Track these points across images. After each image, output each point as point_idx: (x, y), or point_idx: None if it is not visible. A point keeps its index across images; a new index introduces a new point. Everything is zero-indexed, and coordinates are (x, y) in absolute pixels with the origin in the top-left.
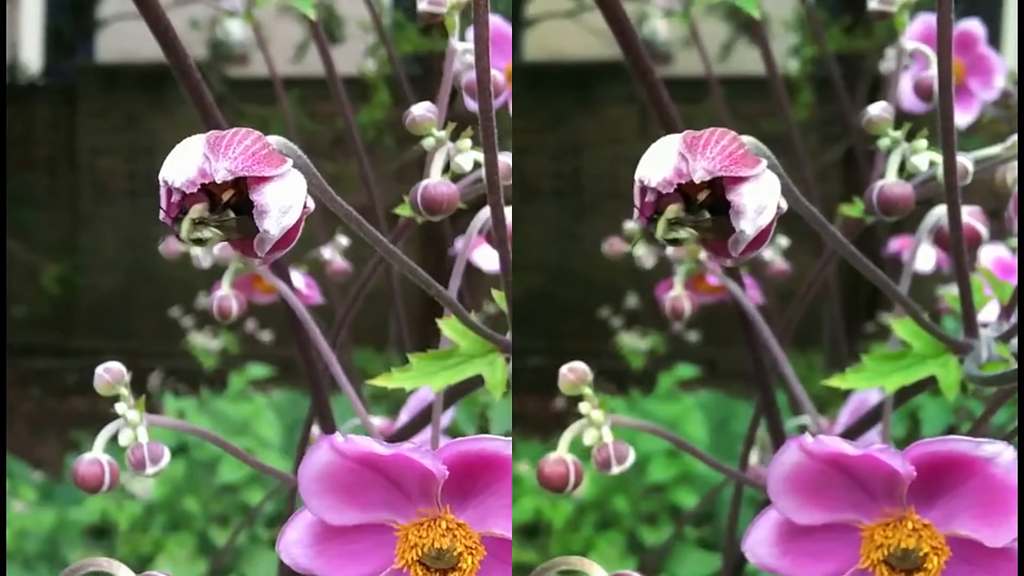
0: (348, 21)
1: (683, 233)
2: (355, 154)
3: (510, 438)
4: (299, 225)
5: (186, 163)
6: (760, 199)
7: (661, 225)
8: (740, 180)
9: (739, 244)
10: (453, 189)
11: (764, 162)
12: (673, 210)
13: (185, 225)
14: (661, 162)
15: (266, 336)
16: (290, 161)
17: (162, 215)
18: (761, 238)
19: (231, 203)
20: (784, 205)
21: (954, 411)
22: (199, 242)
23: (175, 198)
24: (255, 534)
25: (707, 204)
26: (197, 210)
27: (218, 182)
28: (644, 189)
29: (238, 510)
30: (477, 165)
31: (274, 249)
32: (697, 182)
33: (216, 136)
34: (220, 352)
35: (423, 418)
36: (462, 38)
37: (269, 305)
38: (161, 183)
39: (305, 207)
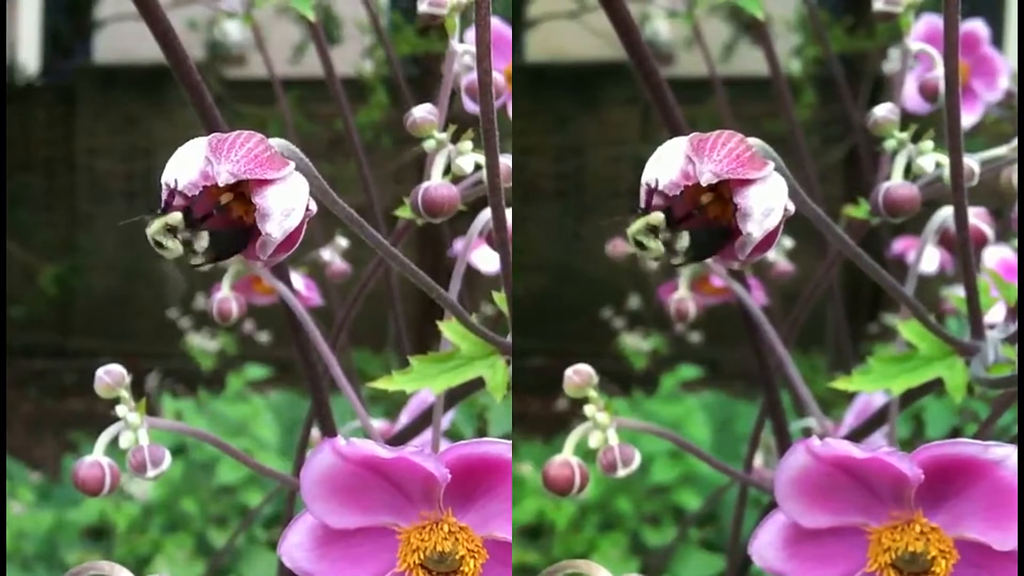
0: (345, 22)
1: (652, 244)
2: (354, 155)
3: (510, 441)
4: (301, 228)
5: (188, 166)
6: (767, 201)
7: (638, 224)
8: (747, 183)
9: (746, 247)
10: (454, 191)
11: (771, 164)
12: (657, 218)
13: (156, 224)
14: (668, 165)
15: (264, 337)
16: (292, 164)
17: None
18: (768, 240)
19: (205, 223)
20: (791, 207)
21: (958, 412)
22: (159, 245)
23: (177, 201)
24: (253, 535)
25: (692, 224)
26: (175, 218)
27: (220, 185)
28: (651, 192)
29: (236, 511)
30: (477, 167)
31: (276, 252)
32: (704, 184)
33: (218, 139)
34: (218, 353)
35: (423, 420)
36: (461, 40)
37: (267, 306)
38: (163, 186)
39: (308, 210)
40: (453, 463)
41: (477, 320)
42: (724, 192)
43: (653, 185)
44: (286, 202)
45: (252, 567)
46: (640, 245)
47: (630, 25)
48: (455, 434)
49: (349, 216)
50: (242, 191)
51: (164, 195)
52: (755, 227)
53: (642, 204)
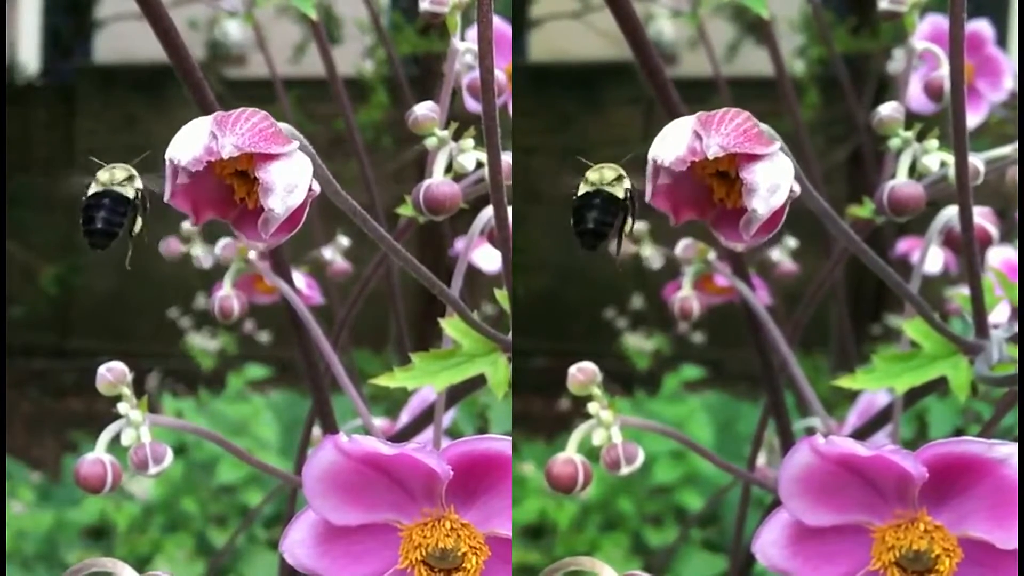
0: (346, 22)
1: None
2: (355, 155)
3: (509, 437)
4: (304, 208)
5: (193, 141)
6: (773, 178)
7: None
8: (754, 158)
9: (751, 224)
10: (456, 189)
11: (778, 142)
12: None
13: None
14: (675, 141)
15: (264, 336)
16: (296, 142)
17: (167, 196)
18: (773, 221)
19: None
20: (797, 188)
21: (961, 413)
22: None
23: (182, 179)
24: (253, 535)
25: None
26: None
27: (224, 157)
28: (657, 169)
29: (236, 511)
30: (479, 165)
31: (278, 232)
32: (711, 158)
33: (223, 114)
34: (218, 353)
35: (424, 418)
36: (462, 38)
37: (267, 305)
38: (167, 163)
39: (311, 190)
40: (455, 460)
41: (478, 319)
42: (729, 172)
43: (659, 161)
44: (289, 178)
45: (252, 567)
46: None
47: (635, 24)
48: (456, 433)
49: (352, 208)
50: (245, 170)
51: (168, 171)
52: (761, 203)
53: (648, 183)
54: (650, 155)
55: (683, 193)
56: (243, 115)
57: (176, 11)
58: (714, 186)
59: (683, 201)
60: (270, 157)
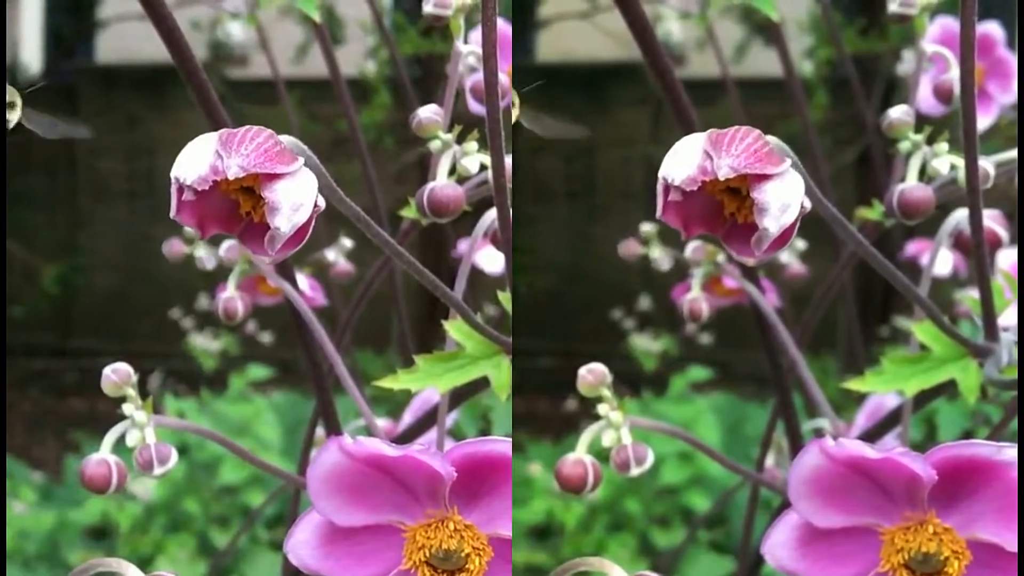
0: (348, 22)
1: None
2: (358, 156)
3: (511, 439)
4: (310, 223)
5: (198, 161)
6: (784, 197)
7: None
8: (765, 178)
9: (762, 242)
10: (459, 191)
11: (788, 160)
12: None
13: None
14: (685, 160)
15: (266, 337)
16: (302, 159)
17: (172, 212)
18: (784, 237)
19: None
20: (808, 204)
21: (971, 416)
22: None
23: (187, 196)
24: (255, 535)
25: None
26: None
27: (230, 179)
28: (667, 187)
29: (238, 511)
30: (482, 167)
31: (284, 247)
32: (722, 179)
33: (228, 133)
34: (220, 353)
35: (427, 420)
36: (465, 41)
37: (270, 306)
38: (172, 181)
39: (316, 206)
40: (458, 461)
41: (480, 321)
42: (741, 188)
43: (670, 180)
44: (295, 196)
45: (254, 567)
46: None
47: (644, 25)
48: (458, 435)
49: (356, 214)
50: (251, 186)
51: (173, 190)
52: (772, 222)
53: (659, 199)
54: (660, 173)
55: (694, 208)
56: (248, 134)
57: (179, 12)
58: (725, 201)
59: (694, 216)
60: (276, 176)
